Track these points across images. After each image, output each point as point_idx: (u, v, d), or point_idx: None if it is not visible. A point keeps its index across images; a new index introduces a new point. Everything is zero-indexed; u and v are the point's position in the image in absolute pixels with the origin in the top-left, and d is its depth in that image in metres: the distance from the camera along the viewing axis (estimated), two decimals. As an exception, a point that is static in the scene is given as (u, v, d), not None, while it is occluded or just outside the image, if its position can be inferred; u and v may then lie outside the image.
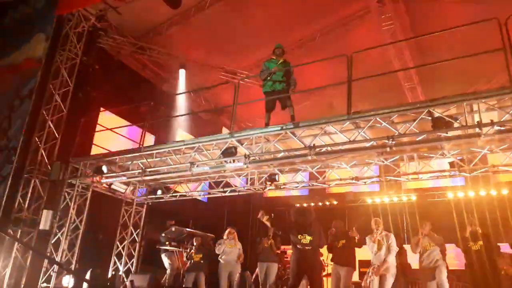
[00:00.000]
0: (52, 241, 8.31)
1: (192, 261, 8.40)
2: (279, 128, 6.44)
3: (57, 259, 8.16)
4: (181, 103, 12.89)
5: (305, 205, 14.22)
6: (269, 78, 7.15)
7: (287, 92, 7.08)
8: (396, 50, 10.90)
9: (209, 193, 9.78)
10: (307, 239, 5.78)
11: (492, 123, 5.11)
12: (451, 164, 7.08)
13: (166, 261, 8.78)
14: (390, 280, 6.60)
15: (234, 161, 7.19)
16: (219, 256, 8.11)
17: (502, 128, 5.21)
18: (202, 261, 8.40)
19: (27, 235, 8.15)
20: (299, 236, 5.85)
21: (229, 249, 8.11)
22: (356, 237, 7.08)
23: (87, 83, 9.90)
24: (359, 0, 10.13)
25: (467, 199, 12.00)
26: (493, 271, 6.29)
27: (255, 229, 15.29)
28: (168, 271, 8.77)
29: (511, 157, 6.60)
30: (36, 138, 8.68)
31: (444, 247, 6.85)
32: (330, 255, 7.73)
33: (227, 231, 8.35)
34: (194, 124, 13.11)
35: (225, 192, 9.18)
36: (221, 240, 8.26)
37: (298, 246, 5.86)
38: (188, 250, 8.73)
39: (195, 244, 8.54)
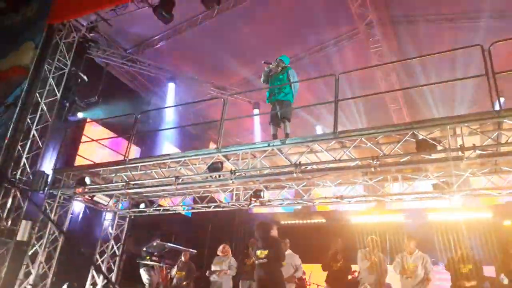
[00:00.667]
0: (30, 253, 8.07)
1: (175, 277, 8.24)
2: (266, 145, 6.42)
3: (34, 271, 7.91)
4: (169, 116, 12.84)
5: (285, 222, 14.18)
6: (268, 83, 7.09)
7: (288, 105, 6.97)
8: (383, 72, 11.10)
9: (193, 208, 9.65)
10: (263, 253, 5.75)
11: (474, 147, 5.17)
12: (435, 186, 7.11)
13: (144, 276, 8.57)
14: None
15: (219, 176, 7.13)
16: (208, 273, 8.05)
17: (484, 152, 5.27)
18: (185, 280, 8.25)
19: (4, 246, 7.90)
20: (257, 252, 5.83)
21: (215, 266, 7.99)
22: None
23: (75, 93, 9.80)
24: (348, 21, 10.30)
25: (449, 222, 12.11)
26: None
27: (239, 245, 15.13)
28: (147, 287, 8.57)
29: (492, 181, 6.67)
30: (20, 147, 8.50)
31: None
32: (310, 273, 7.68)
33: (220, 248, 8.27)
34: (181, 138, 13.06)
35: (209, 207, 9.06)
36: (215, 258, 8.19)
37: (256, 261, 5.84)
38: (170, 266, 8.56)
39: (182, 259, 8.40)
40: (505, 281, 6.64)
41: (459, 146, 5.26)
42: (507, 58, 8.57)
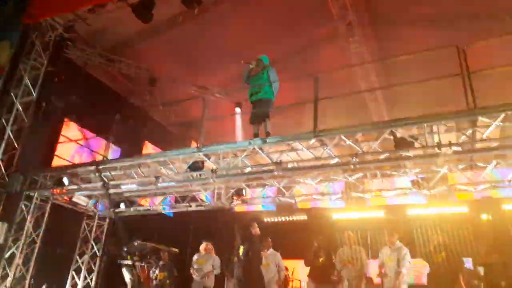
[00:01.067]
0: (6, 256, 7.85)
1: (157, 279, 8.15)
2: (247, 143, 6.43)
3: (11, 274, 7.70)
4: (150, 116, 12.70)
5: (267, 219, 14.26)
6: (249, 83, 7.07)
7: (268, 103, 6.92)
8: (363, 72, 11.20)
9: (174, 207, 9.57)
10: (241, 250, 5.79)
11: (450, 144, 5.28)
12: (413, 182, 7.23)
13: (127, 276, 8.44)
14: None
15: (200, 175, 7.09)
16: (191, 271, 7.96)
17: (459, 148, 5.39)
18: (167, 280, 8.17)
19: (-22, 249, 7.67)
20: (239, 248, 5.87)
21: (199, 266, 7.93)
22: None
23: (52, 93, 9.58)
24: (328, 22, 10.35)
25: (428, 217, 12.35)
26: (454, 283, 6.40)
27: (222, 244, 15.05)
28: (128, 287, 8.43)
29: (468, 176, 6.82)
30: (-5, 148, 8.27)
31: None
32: (293, 269, 7.73)
33: (202, 245, 8.19)
34: (162, 137, 12.92)
35: (190, 206, 9.00)
36: (197, 254, 8.09)
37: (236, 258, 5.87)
38: (152, 266, 8.46)
39: (161, 261, 8.30)
40: (482, 272, 6.82)
41: (435, 143, 5.36)
42: (484, 58, 8.80)
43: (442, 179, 7.21)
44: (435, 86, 10.85)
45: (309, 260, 7.49)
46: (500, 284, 6.29)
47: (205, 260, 8.02)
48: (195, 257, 8.10)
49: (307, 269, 7.80)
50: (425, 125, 5.44)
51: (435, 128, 5.53)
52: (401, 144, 5.52)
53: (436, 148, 5.33)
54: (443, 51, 6.56)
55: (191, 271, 8.07)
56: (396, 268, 6.73)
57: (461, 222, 11.43)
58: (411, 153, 5.71)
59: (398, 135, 5.58)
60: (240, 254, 5.71)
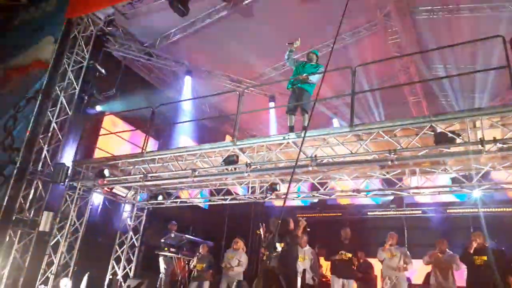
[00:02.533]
0: (51, 243, 8.31)
1: (195, 269, 8.38)
2: (281, 138, 6.43)
3: (56, 261, 8.16)
4: (186, 109, 12.95)
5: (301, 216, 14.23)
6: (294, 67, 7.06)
7: (309, 97, 6.87)
8: (402, 64, 10.94)
9: (209, 200, 9.76)
10: (279, 245, 5.83)
11: (494, 140, 5.07)
12: (454, 180, 7.03)
13: (162, 265, 8.74)
14: None
15: (235, 169, 7.19)
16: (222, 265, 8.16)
17: (505, 145, 5.18)
18: (205, 270, 8.39)
19: (27, 236, 8.17)
20: (277, 244, 5.90)
21: (228, 260, 8.10)
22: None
23: (93, 86, 9.98)
24: (366, 13, 10.16)
25: (471, 216, 11.95)
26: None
27: (255, 237, 15.23)
28: (162, 276, 8.69)
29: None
30: (40, 140, 8.73)
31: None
32: (327, 266, 7.76)
33: (233, 241, 8.38)
34: (198, 131, 13.17)
35: (225, 200, 9.16)
36: (228, 250, 8.30)
37: (273, 253, 5.92)
38: (188, 257, 8.71)
39: (200, 251, 8.51)
40: None
41: (479, 139, 5.17)
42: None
43: (485, 177, 6.98)
44: (479, 79, 10.51)
45: (331, 255, 7.56)
46: None
47: (233, 256, 8.21)
48: (227, 252, 8.31)
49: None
50: (467, 120, 5.24)
51: (478, 123, 5.32)
52: (442, 139, 5.34)
53: (479, 145, 5.14)
54: (486, 42, 6.33)
55: (222, 265, 8.26)
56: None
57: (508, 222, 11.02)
58: (452, 149, 5.53)
59: (439, 130, 5.42)
60: (279, 249, 5.78)
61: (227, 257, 8.24)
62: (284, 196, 8.46)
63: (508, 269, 6.24)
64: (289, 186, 6.45)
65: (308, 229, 7.29)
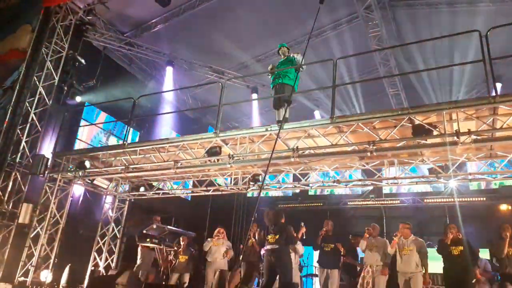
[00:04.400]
0: (31, 235, 8.21)
1: (177, 261, 8.38)
2: (264, 130, 6.48)
3: (36, 253, 8.06)
4: (168, 100, 12.86)
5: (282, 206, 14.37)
6: (271, 75, 7.14)
7: (290, 89, 6.83)
8: (382, 57, 11.08)
9: (192, 192, 9.77)
10: (272, 237, 5.89)
11: (469, 132, 5.24)
12: (430, 171, 7.21)
13: (139, 256, 8.67)
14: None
15: (218, 160, 7.21)
16: (206, 255, 8.14)
17: (479, 137, 5.34)
18: (187, 262, 8.40)
19: (6, 228, 8.04)
20: (268, 236, 5.97)
21: (215, 248, 8.12)
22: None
23: (73, 77, 9.80)
24: (347, 6, 10.23)
25: (447, 205, 12.31)
26: (468, 278, 6.41)
27: (237, 228, 15.35)
28: (140, 265, 8.61)
29: (487, 165, 6.77)
30: (19, 131, 8.56)
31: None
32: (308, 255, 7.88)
33: (216, 230, 8.36)
34: (180, 122, 13.11)
35: (208, 191, 9.18)
36: (210, 239, 8.27)
37: (267, 245, 5.99)
38: (171, 249, 8.69)
39: (182, 243, 8.50)
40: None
41: (454, 131, 5.32)
42: (506, 44, 8.60)
43: (461, 168, 7.19)
44: (457, 72, 10.75)
45: (317, 245, 7.69)
46: None
47: (220, 244, 8.20)
48: (209, 241, 8.26)
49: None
50: (444, 112, 5.37)
51: (454, 116, 5.47)
52: (419, 131, 5.48)
53: (455, 137, 5.29)
54: (464, 36, 6.47)
55: (208, 257, 8.24)
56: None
57: (478, 211, 11.40)
58: (429, 141, 5.68)
59: (416, 122, 5.55)
60: (272, 241, 5.84)
61: (214, 245, 8.19)
62: (264, 186, 8.56)
63: (473, 259, 6.48)
64: (264, 177, 6.55)
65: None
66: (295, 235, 6.72)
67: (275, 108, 7.01)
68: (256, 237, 8.06)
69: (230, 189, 9.04)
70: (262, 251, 7.20)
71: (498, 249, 6.47)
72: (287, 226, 6.13)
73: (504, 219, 10.27)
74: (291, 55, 7.19)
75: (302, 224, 7.35)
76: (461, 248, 6.49)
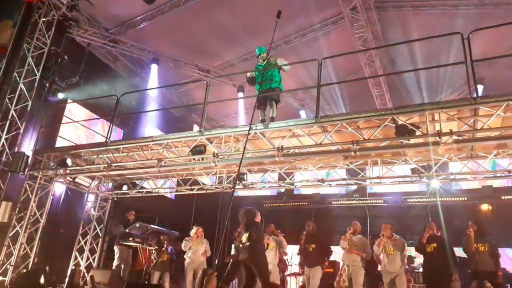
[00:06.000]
0: (10, 234, 8.03)
1: (159, 260, 8.31)
2: (249, 129, 6.45)
3: (15, 252, 7.90)
4: (152, 98, 12.74)
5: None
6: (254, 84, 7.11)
7: (277, 91, 6.96)
8: (367, 58, 11.18)
9: (176, 190, 9.70)
10: (244, 237, 5.85)
11: (451, 133, 5.32)
12: (413, 170, 7.30)
13: (116, 255, 8.56)
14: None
15: (202, 159, 7.17)
16: (185, 254, 8.08)
17: (460, 137, 5.43)
18: (169, 261, 8.35)
19: (-17, 227, 7.85)
20: (242, 237, 5.91)
21: (195, 247, 8.08)
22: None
23: (55, 73, 9.62)
24: (332, 6, 10.30)
25: (429, 205, 12.49)
26: (445, 274, 6.51)
27: (222, 227, 15.29)
28: (120, 265, 8.49)
29: (468, 165, 6.89)
30: (-2, 127, 8.37)
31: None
32: (297, 257, 7.88)
33: (194, 229, 8.31)
34: (164, 120, 12.99)
35: (192, 190, 9.13)
36: (188, 238, 8.21)
37: (240, 245, 5.91)
38: (153, 247, 8.63)
39: (164, 242, 8.43)
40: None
41: (436, 132, 5.40)
42: (488, 46, 8.77)
43: (443, 168, 7.30)
44: (440, 73, 10.91)
45: (301, 249, 7.72)
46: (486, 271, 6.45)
47: (199, 243, 8.17)
48: (187, 241, 8.18)
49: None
50: (426, 113, 5.45)
51: (436, 117, 5.56)
52: (402, 131, 5.56)
53: (437, 137, 5.37)
54: (448, 38, 6.57)
55: (187, 256, 8.17)
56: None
57: (459, 211, 11.59)
58: (412, 141, 5.75)
59: (400, 122, 5.62)
60: (244, 240, 5.80)
61: (194, 244, 8.13)
62: (249, 185, 8.56)
63: (452, 257, 6.59)
64: (237, 176, 6.60)
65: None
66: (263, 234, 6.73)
67: (259, 107, 6.97)
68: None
69: (215, 188, 9.01)
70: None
71: (467, 246, 6.62)
72: (256, 224, 6.09)
73: (485, 219, 10.50)
74: (271, 59, 7.13)
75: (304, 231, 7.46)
76: (434, 245, 6.62)
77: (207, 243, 8.35)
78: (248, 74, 7.25)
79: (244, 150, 4.45)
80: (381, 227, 7.35)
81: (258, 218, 6.20)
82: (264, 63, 7.04)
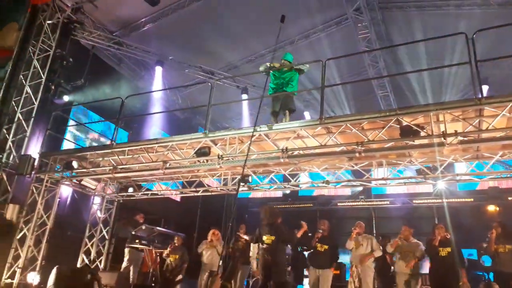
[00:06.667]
0: (18, 237, 8.13)
1: (169, 262, 8.36)
2: (253, 130, 6.50)
3: (22, 255, 7.99)
4: (157, 100, 12.83)
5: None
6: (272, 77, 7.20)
7: (293, 99, 7.15)
8: (371, 58, 11.21)
9: (181, 192, 9.76)
10: (270, 239, 5.89)
11: (456, 134, 5.33)
12: (418, 172, 7.31)
13: (126, 257, 8.61)
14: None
15: (207, 161, 7.23)
16: (201, 257, 8.18)
17: (465, 138, 5.44)
18: (179, 263, 8.38)
19: (-9, 230, 7.95)
20: (264, 237, 5.96)
21: (209, 250, 8.13)
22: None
23: (60, 76, 9.73)
24: (337, 7, 10.33)
25: (435, 206, 12.46)
26: (454, 278, 6.50)
27: (227, 229, 15.34)
28: (129, 267, 8.54)
29: (473, 166, 6.90)
30: (5, 130, 8.47)
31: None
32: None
33: (210, 232, 8.35)
34: (169, 122, 13.07)
35: (197, 191, 9.18)
36: (204, 241, 8.27)
37: (262, 245, 5.98)
38: (160, 249, 8.67)
39: (176, 244, 8.49)
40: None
41: (441, 132, 5.42)
42: (492, 46, 8.76)
43: (448, 169, 7.30)
44: (445, 74, 10.91)
45: (312, 246, 7.65)
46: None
47: (213, 246, 8.19)
48: (203, 243, 8.26)
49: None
50: (431, 114, 5.47)
51: (441, 117, 5.57)
52: (407, 132, 5.57)
53: (442, 138, 5.39)
54: (452, 38, 6.58)
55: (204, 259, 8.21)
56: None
57: (466, 212, 11.57)
58: (416, 142, 5.77)
59: (404, 123, 5.63)
60: (266, 240, 5.86)
61: (208, 247, 8.17)
62: (254, 187, 8.60)
63: (461, 261, 6.58)
64: (241, 178, 6.64)
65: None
66: (295, 233, 6.81)
67: (273, 115, 7.08)
68: (247, 237, 8.09)
69: (220, 189, 9.06)
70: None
71: (487, 247, 6.67)
72: (283, 227, 6.14)
73: (492, 220, 10.46)
74: (296, 67, 7.22)
75: (303, 222, 7.29)
76: (448, 249, 6.58)
77: (221, 245, 8.30)
78: (261, 68, 7.31)
79: (248, 151, 4.47)
80: (387, 228, 7.37)
81: (280, 219, 6.28)
82: (285, 69, 7.13)
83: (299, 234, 7.13)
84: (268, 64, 7.30)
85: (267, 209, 6.30)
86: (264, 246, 5.91)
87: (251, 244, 7.12)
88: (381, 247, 7.36)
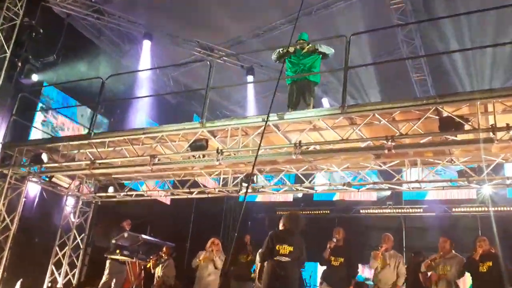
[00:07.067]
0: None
1: (157, 275, 8.43)
2: (260, 120, 6.49)
3: (-19, 265, 8.06)
4: (144, 82, 12.83)
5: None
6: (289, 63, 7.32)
7: (314, 86, 7.24)
8: (405, 34, 11.11)
9: (172, 194, 9.79)
10: (287, 249, 5.85)
11: (507, 127, 5.28)
12: (460, 173, 7.28)
13: (106, 271, 8.67)
14: None
15: (204, 156, 7.24)
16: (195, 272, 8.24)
17: (519, 133, 5.40)
18: (168, 277, 8.45)
19: None
20: (280, 246, 5.90)
21: (203, 264, 8.16)
22: None
23: (29, 50, 9.75)
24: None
25: (479, 216, 12.41)
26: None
27: (227, 238, 15.42)
28: (110, 282, 8.60)
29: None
30: (-40, 116, 8.53)
31: None
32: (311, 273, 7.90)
33: (209, 241, 8.39)
34: (158, 109, 13.09)
35: (191, 193, 9.21)
36: (200, 252, 8.31)
37: (277, 256, 5.93)
38: (144, 261, 8.73)
39: (161, 256, 8.54)
40: None
41: (490, 126, 5.37)
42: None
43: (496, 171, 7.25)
44: (496, 55, 10.78)
45: (325, 259, 7.68)
46: None
47: (208, 258, 8.23)
48: (198, 255, 8.31)
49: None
50: (478, 102, 5.42)
51: (490, 107, 5.52)
52: (448, 125, 5.54)
53: (490, 132, 5.34)
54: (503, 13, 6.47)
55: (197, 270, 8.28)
56: None
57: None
58: (459, 137, 5.73)
59: (445, 114, 5.59)
60: (286, 253, 5.89)
61: (202, 260, 8.23)
62: (259, 189, 8.61)
63: (510, 278, 6.54)
64: (250, 177, 6.63)
65: None
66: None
67: (290, 107, 7.15)
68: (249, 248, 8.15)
69: (219, 191, 9.08)
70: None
71: None
72: (303, 242, 6.15)
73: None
74: (316, 47, 7.28)
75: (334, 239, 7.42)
76: (489, 263, 6.56)
77: (220, 258, 8.32)
78: (274, 56, 7.43)
79: (259, 146, 4.44)
80: (420, 241, 7.36)
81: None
82: (303, 51, 7.17)
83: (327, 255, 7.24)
84: (280, 50, 7.29)
85: (296, 217, 6.26)
86: (278, 258, 5.84)
87: (257, 258, 7.14)
88: (405, 273, 7.34)
